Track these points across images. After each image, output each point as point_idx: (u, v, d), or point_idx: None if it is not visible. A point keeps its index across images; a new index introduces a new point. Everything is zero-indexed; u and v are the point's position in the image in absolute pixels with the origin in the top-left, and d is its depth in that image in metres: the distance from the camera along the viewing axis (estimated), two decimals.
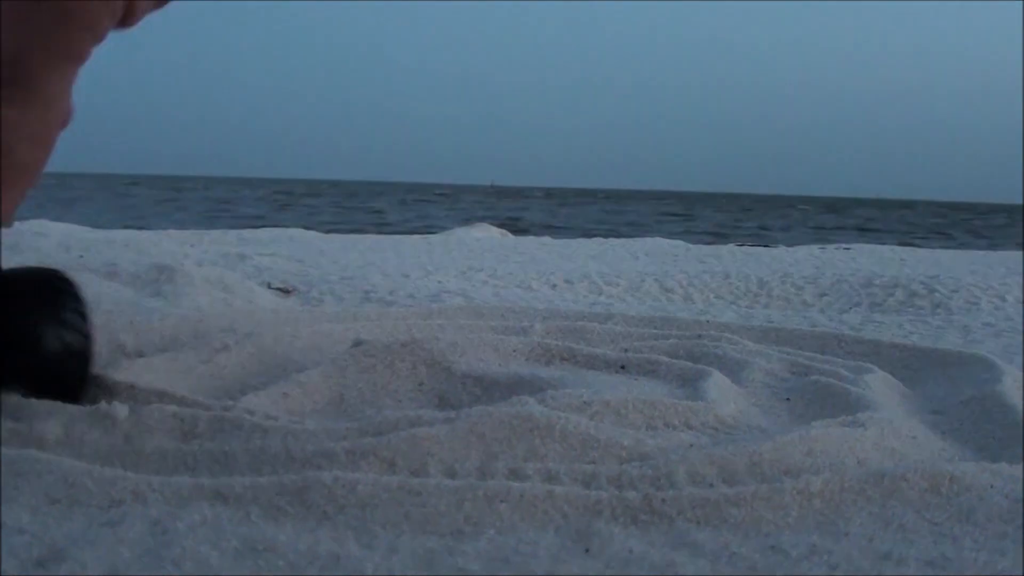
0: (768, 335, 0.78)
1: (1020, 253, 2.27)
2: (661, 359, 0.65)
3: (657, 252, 1.88)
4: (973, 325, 0.97)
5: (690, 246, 2.09)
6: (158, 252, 1.24)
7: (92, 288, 0.80)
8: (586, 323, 0.77)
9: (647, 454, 0.48)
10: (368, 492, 0.41)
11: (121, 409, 0.48)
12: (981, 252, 2.32)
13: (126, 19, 0.57)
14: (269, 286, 1.13)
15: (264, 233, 2.04)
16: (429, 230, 3.75)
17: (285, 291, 1.16)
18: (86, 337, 0.54)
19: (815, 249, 2.16)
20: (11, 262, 1.03)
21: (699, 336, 0.74)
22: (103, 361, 0.61)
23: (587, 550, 0.38)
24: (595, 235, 2.63)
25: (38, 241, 1.23)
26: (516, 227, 4.83)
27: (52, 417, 0.48)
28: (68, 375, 0.54)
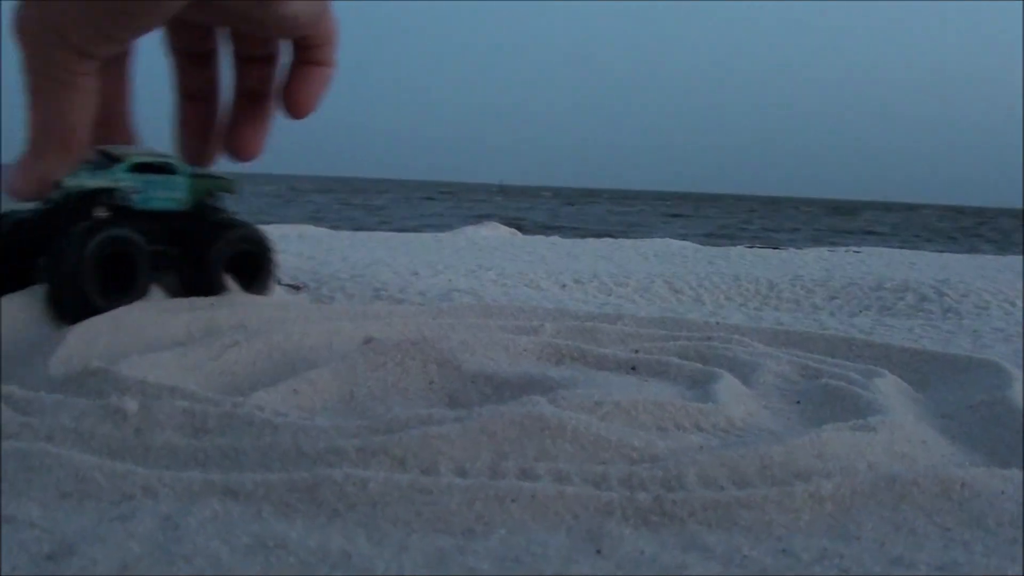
0: (778, 337, 0.77)
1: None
2: (671, 360, 0.65)
3: (666, 253, 1.87)
4: (983, 330, 0.97)
5: (699, 247, 2.08)
6: None
7: None
8: (596, 323, 0.77)
9: (658, 455, 0.48)
10: (379, 490, 0.41)
11: (131, 404, 0.48)
12: (991, 256, 2.32)
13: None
14: (279, 282, 1.14)
15: (273, 229, 2.04)
16: (430, 228, 3.75)
17: (296, 287, 1.16)
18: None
19: (824, 252, 2.16)
20: None
21: (709, 338, 0.74)
22: (112, 356, 0.61)
23: (598, 551, 0.38)
24: (604, 235, 2.63)
25: None
26: (523, 226, 4.82)
27: (63, 411, 0.48)
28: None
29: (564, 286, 1.24)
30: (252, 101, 0.76)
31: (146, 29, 0.65)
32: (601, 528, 0.40)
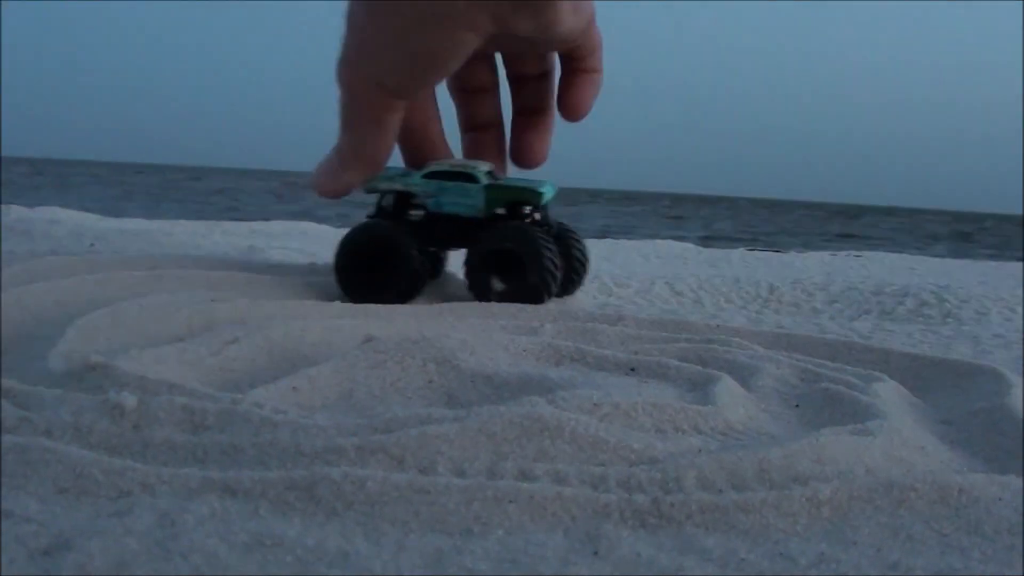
0: (778, 341, 0.77)
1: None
2: (671, 362, 0.65)
3: (668, 255, 1.87)
4: (983, 336, 0.97)
5: (701, 249, 2.08)
6: (169, 243, 1.24)
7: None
8: (596, 324, 0.77)
9: (656, 457, 0.48)
10: (377, 489, 0.41)
11: (130, 400, 0.48)
12: (993, 263, 2.32)
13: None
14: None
15: (276, 225, 2.03)
16: None
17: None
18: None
19: (826, 255, 2.16)
20: (22, 249, 1.04)
21: (709, 340, 0.74)
22: (112, 350, 0.61)
23: (595, 552, 0.38)
24: (605, 236, 2.63)
25: (50, 228, 1.23)
26: None
27: (61, 406, 0.48)
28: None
29: None
30: (534, 114, 0.84)
31: (451, 69, 0.72)
32: (599, 530, 0.40)
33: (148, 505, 0.39)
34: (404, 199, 0.88)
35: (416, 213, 0.88)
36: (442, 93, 0.87)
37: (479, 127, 0.87)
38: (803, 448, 0.48)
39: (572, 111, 0.83)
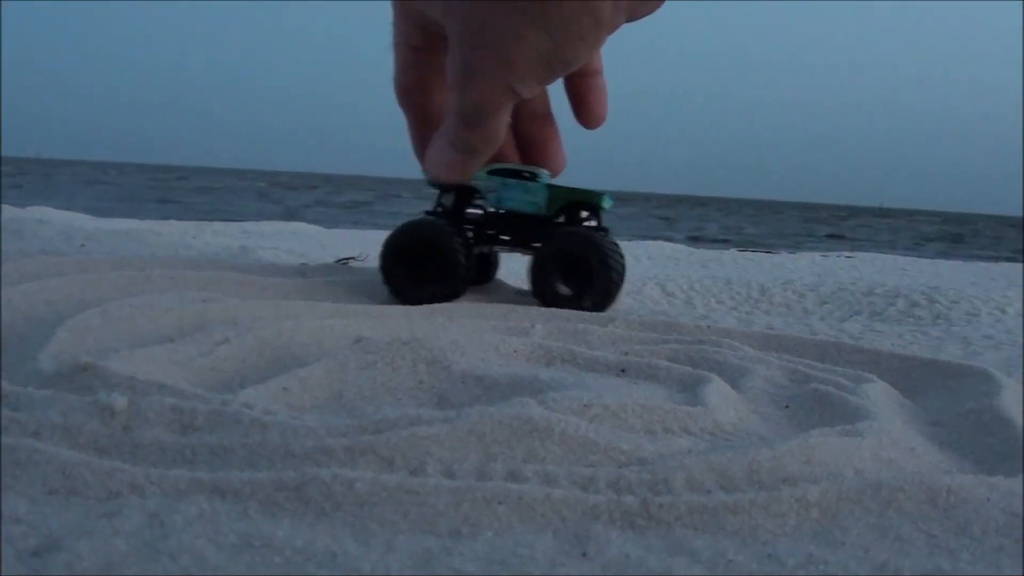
0: (769, 342, 0.78)
1: (1020, 265, 2.27)
2: (661, 363, 0.65)
3: (659, 255, 1.88)
4: (973, 337, 0.97)
5: (692, 250, 2.08)
6: (160, 243, 1.24)
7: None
8: (587, 325, 0.77)
9: (645, 459, 0.48)
10: (366, 490, 0.41)
11: (120, 401, 0.48)
12: (983, 264, 2.32)
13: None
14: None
15: (266, 226, 2.03)
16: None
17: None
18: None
19: (817, 256, 2.16)
20: (12, 248, 1.03)
21: (700, 341, 0.74)
22: (103, 351, 0.61)
23: (584, 554, 0.38)
24: None
25: (40, 229, 1.23)
26: None
27: (51, 407, 0.48)
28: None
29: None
30: (588, 76, 0.87)
31: (568, 72, 0.74)
32: (587, 531, 0.40)
33: (137, 506, 0.39)
34: (464, 197, 0.90)
35: (474, 212, 0.90)
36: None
37: (532, 115, 0.89)
38: (792, 449, 0.49)
39: (593, 119, 0.85)
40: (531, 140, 0.88)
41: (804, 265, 1.87)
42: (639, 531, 0.41)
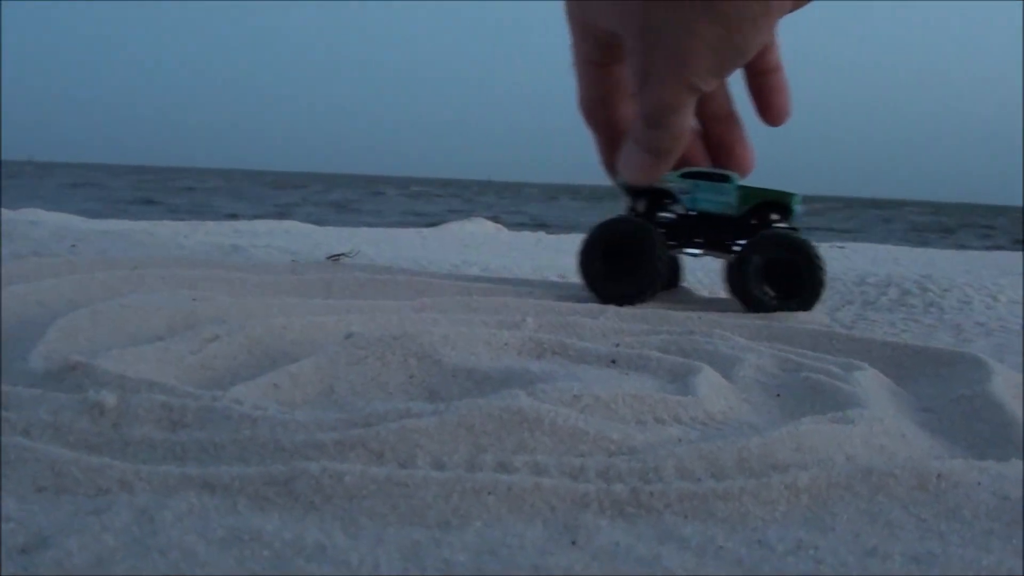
0: (760, 332, 0.78)
1: (1015, 253, 2.27)
2: (652, 354, 0.65)
3: None
4: (965, 324, 0.97)
5: None
6: (152, 243, 1.24)
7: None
8: (578, 318, 0.77)
9: (636, 448, 0.48)
10: (355, 483, 0.41)
11: (110, 398, 0.48)
12: (975, 252, 2.33)
13: None
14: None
15: (259, 225, 2.04)
16: (415, 225, 3.75)
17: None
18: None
19: None
20: (5, 250, 1.03)
21: (691, 332, 0.74)
22: (93, 349, 0.61)
23: (574, 542, 0.38)
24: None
25: (31, 230, 1.23)
26: (508, 221, 4.82)
27: (41, 405, 0.48)
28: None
29: (549, 281, 1.24)
30: (769, 73, 0.87)
31: (743, 62, 0.75)
32: (577, 520, 0.40)
33: (126, 502, 0.39)
34: (657, 200, 0.91)
35: (666, 215, 0.91)
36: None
37: (715, 117, 0.90)
38: (783, 436, 0.49)
39: (776, 115, 0.86)
40: (719, 142, 0.89)
41: None
42: (629, 519, 0.41)
